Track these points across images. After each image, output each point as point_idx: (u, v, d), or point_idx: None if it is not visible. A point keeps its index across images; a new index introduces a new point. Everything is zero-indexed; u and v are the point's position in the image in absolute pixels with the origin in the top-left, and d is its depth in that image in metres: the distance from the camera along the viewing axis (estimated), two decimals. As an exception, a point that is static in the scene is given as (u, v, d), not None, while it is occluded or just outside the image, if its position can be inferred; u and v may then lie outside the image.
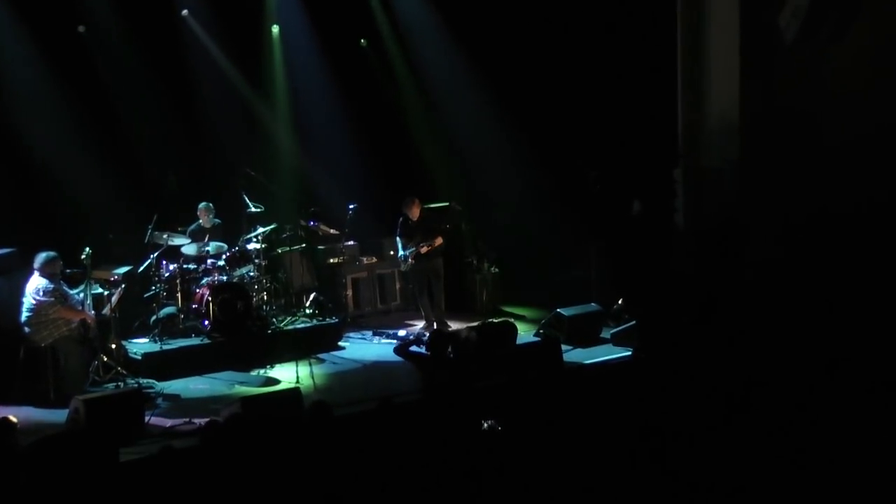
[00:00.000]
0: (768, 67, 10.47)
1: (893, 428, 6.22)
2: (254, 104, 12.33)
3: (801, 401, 6.69)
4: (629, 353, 9.29)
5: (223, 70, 11.87)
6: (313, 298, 11.30)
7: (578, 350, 9.76)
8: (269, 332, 10.27)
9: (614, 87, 11.52)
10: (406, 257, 10.81)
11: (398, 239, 11.03)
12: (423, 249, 10.73)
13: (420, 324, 11.09)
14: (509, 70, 12.48)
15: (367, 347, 10.60)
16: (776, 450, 6.00)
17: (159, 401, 8.51)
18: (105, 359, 8.87)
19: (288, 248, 11.25)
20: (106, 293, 9.22)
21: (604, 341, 10.17)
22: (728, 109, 10.68)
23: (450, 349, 9.02)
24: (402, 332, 10.87)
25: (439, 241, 10.80)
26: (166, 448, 6.05)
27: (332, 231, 11.90)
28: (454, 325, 10.86)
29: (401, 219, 10.97)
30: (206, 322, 9.84)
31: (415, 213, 10.87)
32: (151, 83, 11.26)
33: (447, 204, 12.07)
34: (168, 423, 7.86)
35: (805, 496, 5.64)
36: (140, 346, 9.72)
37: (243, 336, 9.96)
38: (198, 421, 7.70)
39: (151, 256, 9.93)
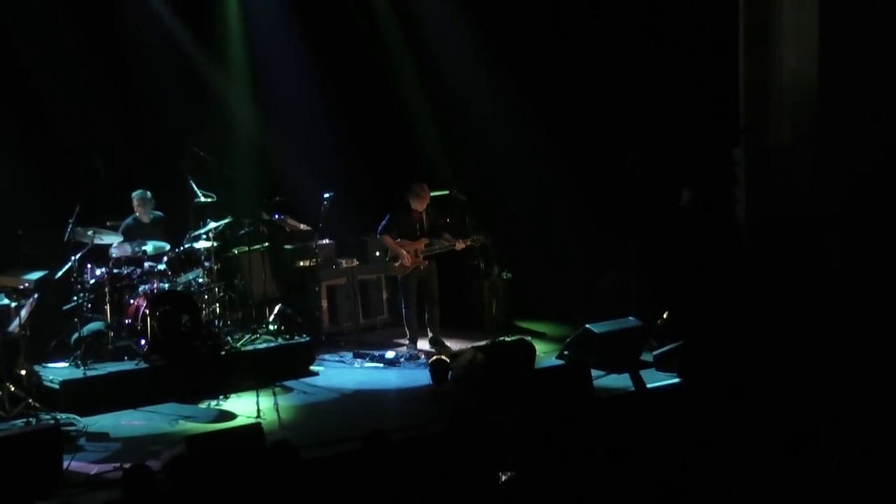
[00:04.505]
0: (855, 20, 10.41)
1: None
2: (203, 67, 12.28)
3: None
4: (677, 380, 9.26)
5: (164, 24, 11.83)
6: (278, 311, 11.30)
7: (612, 376, 9.73)
8: (223, 353, 10.24)
9: (657, 47, 11.48)
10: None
11: (385, 236, 10.98)
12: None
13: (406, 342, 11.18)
14: (526, 29, 12.45)
15: (345, 373, 10.61)
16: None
17: (82, 441, 8.45)
18: (12, 388, 8.80)
19: (246, 248, 11.24)
20: (14, 305, 9.11)
21: (645, 365, 10.15)
22: (803, 74, 10.64)
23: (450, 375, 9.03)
24: (389, 354, 10.87)
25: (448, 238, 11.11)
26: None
27: (301, 226, 11.90)
28: (455, 345, 10.82)
29: (398, 209, 11.00)
30: (143, 341, 9.83)
31: (423, 203, 10.96)
32: (73, 38, 11.20)
33: (447, 192, 12.01)
34: (94, 468, 7.76)
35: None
36: (58, 371, 9.69)
37: (190, 359, 9.93)
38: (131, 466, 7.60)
39: (73, 258, 9.86)
